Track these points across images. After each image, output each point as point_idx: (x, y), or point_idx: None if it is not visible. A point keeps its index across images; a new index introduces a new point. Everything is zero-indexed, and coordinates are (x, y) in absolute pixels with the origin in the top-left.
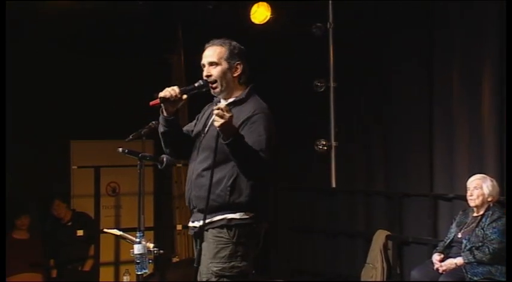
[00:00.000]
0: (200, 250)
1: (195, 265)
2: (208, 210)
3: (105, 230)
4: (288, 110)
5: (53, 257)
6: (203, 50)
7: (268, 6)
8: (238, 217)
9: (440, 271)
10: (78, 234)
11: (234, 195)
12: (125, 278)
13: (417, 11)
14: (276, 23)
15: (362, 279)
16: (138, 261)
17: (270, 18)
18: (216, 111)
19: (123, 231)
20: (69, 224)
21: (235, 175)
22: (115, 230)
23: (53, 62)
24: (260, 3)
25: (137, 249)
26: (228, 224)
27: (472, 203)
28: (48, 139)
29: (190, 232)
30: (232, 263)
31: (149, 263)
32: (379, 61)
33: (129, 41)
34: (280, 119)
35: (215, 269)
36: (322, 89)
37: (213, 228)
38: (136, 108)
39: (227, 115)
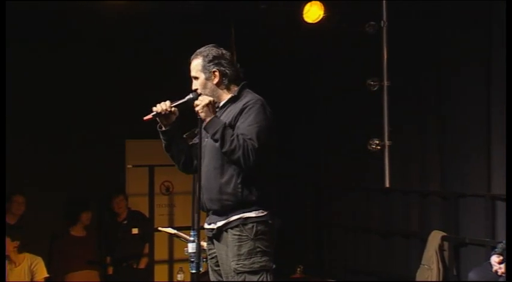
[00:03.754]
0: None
1: (209, 267)
2: (223, 211)
3: (159, 228)
4: (341, 109)
5: (109, 255)
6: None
7: (321, 5)
8: (254, 215)
9: (499, 273)
10: (133, 232)
11: (245, 192)
12: (179, 276)
13: (475, 9)
14: (329, 22)
15: (417, 280)
16: (192, 259)
17: (323, 17)
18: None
19: (177, 230)
20: (125, 222)
21: (244, 173)
22: (169, 229)
23: (108, 64)
24: (313, 2)
25: (191, 247)
26: (245, 223)
27: None
28: (105, 139)
29: (208, 234)
30: (253, 259)
31: (203, 261)
32: (434, 60)
33: (182, 40)
34: (333, 118)
35: (236, 266)
36: (376, 88)
37: (231, 228)
38: (190, 108)
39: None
